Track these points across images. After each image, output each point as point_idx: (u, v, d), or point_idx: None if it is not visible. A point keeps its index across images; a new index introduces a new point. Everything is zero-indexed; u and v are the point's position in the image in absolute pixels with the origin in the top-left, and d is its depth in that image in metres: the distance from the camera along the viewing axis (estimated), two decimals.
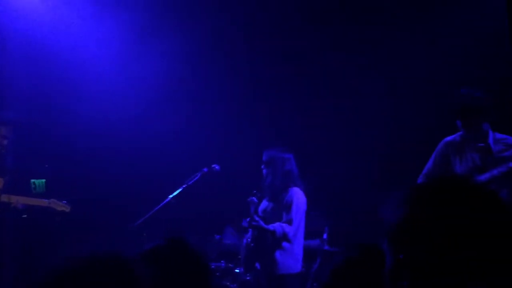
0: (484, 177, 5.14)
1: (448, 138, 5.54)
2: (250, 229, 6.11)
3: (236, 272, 6.42)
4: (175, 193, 6.16)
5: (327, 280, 2.37)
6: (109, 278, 1.66)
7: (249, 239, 6.17)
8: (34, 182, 6.45)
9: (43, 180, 6.46)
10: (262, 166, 6.26)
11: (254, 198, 6.13)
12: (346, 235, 6.64)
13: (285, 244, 6.01)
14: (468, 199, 1.43)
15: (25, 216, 6.32)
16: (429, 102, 6.74)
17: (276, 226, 5.97)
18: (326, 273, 2.42)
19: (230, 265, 6.52)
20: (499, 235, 1.39)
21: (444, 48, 6.90)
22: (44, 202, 6.33)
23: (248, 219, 6.06)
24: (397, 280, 1.43)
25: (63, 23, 7.52)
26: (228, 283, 6.39)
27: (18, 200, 6.28)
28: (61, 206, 6.37)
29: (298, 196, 6.10)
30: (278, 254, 6.01)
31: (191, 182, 6.23)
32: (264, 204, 6.27)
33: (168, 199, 6.14)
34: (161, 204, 6.13)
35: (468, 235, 1.38)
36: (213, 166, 6.33)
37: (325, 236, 6.65)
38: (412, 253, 1.41)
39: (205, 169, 6.31)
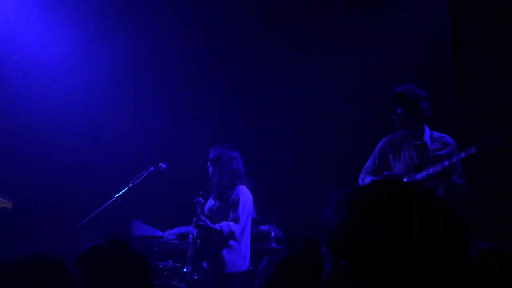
0: (420, 175, 5.24)
1: (389, 136, 5.63)
2: (198, 229, 6.09)
3: (184, 271, 6.38)
4: (120, 193, 6.10)
5: (271, 275, 2.37)
6: (39, 279, 1.63)
7: (196, 239, 6.14)
8: None
9: None
10: (208, 164, 6.23)
11: (201, 199, 6.10)
12: (293, 232, 6.68)
13: (232, 242, 6.01)
14: (405, 202, 1.41)
15: None
16: (374, 99, 6.81)
17: (223, 225, 5.97)
18: (271, 269, 2.42)
19: (177, 264, 6.48)
20: (438, 238, 1.39)
21: (386, 46, 6.98)
22: None
23: (195, 219, 6.03)
24: (335, 287, 1.42)
25: (14, 15, 7.36)
26: (175, 283, 6.34)
27: None
28: (3, 202, 6.23)
29: (244, 194, 6.11)
30: (225, 253, 6.01)
31: (137, 181, 6.18)
32: (211, 202, 6.26)
33: (114, 198, 6.08)
34: (107, 204, 6.06)
35: (408, 241, 1.37)
36: (160, 164, 6.29)
37: (272, 234, 6.66)
38: (352, 260, 1.39)
39: (152, 168, 6.27)
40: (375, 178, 5.43)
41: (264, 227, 6.72)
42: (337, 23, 7.28)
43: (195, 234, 6.15)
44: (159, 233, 6.53)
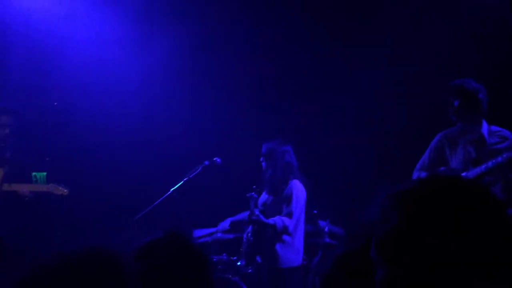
0: (478, 169, 5.11)
1: (445, 130, 5.52)
2: (252, 223, 6.11)
3: (238, 265, 6.42)
4: (176, 186, 6.16)
5: (327, 271, 2.35)
6: (95, 273, 1.65)
7: (249, 233, 6.17)
8: (35, 175, 6.45)
9: (44, 173, 6.45)
10: (261, 159, 6.24)
11: (254, 194, 6.12)
12: (347, 228, 6.64)
13: (285, 237, 6.01)
14: (461, 204, 1.34)
15: (27, 199, 6.35)
16: (428, 96, 6.71)
17: (276, 219, 5.96)
18: (326, 265, 2.39)
19: (232, 258, 6.51)
20: (495, 240, 1.32)
21: (443, 43, 6.86)
22: (43, 187, 6.35)
23: (248, 213, 6.05)
24: None
25: (65, 16, 7.51)
26: (230, 276, 6.37)
27: (23, 188, 6.31)
28: (60, 190, 6.37)
29: (298, 189, 6.09)
30: (278, 248, 6.01)
31: (192, 175, 6.22)
32: (264, 197, 6.26)
33: (170, 192, 6.14)
34: (162, 197, 6.12)
35: (465, 246, 1.30)
36: (214, 159, 6.32)
37: (326, 229, 6.63)
38: (408, 268, 1.33)
39: (207, 162, 6.30)
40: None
41: (318, 222, 6.70)
42: (384, 17, 7.19)
43: (249, 228, 6.18)
44: (212, 228, 6.57)
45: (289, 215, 5.99)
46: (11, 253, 6.24)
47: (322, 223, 6.70)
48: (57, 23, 7.47)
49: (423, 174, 5.46)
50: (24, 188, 6.34)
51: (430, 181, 1.43)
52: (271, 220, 5.97)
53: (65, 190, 6.37)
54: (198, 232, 6.55)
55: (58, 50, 7.50)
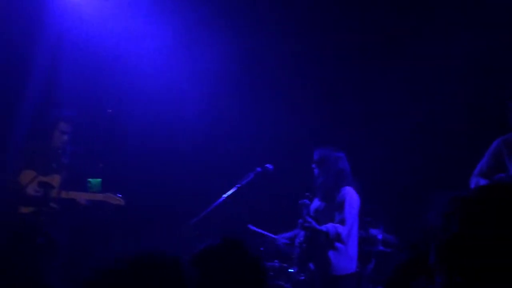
0: None
1: (504, 136, 5.40)
2: (304, 230, 6.08)
3: (290, 271, 6.40)
4: (229, 193, 6.18)
5: (389, 279, 2.32)
6: (157, 277, 1.66)
7: (302, 240, 6.14)
8: (90, 181, 6.56)
9: (99, 180, 6.56)
10: (313, 166, 6.20)
11: (306, 200, 6.09)
12: (402, 236, 6.54)
13: (338, 244, 5.95)
14: None
15: (84, 207, 6.45)
16: (484, 101, 6.58)
17: (329, 227, 5.92)
18: (385, 273, 2.37)
19: (284, 264, 6.49)
20: None
21: (504, 47, 6.73)
22: (99, 196, 6.45)
23: (301, 220, 6.02)
24: None
25: (118, 22, 7.62)
26: (282, 283, 6.36)
27: (81, 196, 6.42)
28: (116, 199, 6.46)
29: (351, 196, 6.03)
30: (331, 255, 5.96)
31: (244, 182, 6.23)
32: (316, 203, 6.22)
33: (222, 198, 6.16)
34: (215, 204, 6.15)
35: None
36: (266, 165, 6.32)
37: (379, 236, 6.55)
38: (470, 278, 1.30)
39: (259, 169, 6.31)
40: (488, 181, 5.22)
41: (371, 230, 6.63)
42: (444, 23, 7.10)
43: (301, 235, 6.15)
44: (270, 235, 6.55)
45: (342, 222, 5.94)
46: (63, 257, 6.36)
47: (375, 231, 6.63)
48: (110, 31, 7.59)
49: (482, 181, 5.35)
50: (81, 197, 6.45)
51: (491, 188, 1.41)
52: (324, 227, 5.93)
53: (121, 200, 6.46)
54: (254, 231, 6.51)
55: (112, 57, 7.61)
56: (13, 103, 7.10)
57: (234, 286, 2.42)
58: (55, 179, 6.49)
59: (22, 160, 6.57)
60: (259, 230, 6.48)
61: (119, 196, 6.47)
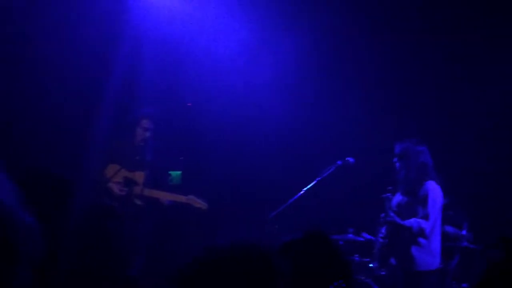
0: None
1: None
2: (386, 225, 5.99)
3: (371, 267, 6.32)
4: (309, 186, 6.16)
5: (482, 277, 2.25)
6: (250, 267, 1.67)
7: (384, 235, 6.05)
8: (170, 174, 6.67)
9: (179, 172, 6.66)
10: (395, 160, 6.09)
11: (389, 194, 5.99)
12: (487, 231, 6.35)
13: (421, 240, 5.83)
14: None
15: (166, 207, 6.55)
16: None
17: (412, 222, 5.80)
18: (470, 269, 2.31)
19: (364, 259, 6.42)
20: None
21: None
22: (182, 198, 6.51)
23: (383, 215, 5.94)
24: None
25: (196, 22, 7.70)
26: (362, 278, 6.30)
27: (165, 196, 6.51)
28: (199, 203, 6.51)
29: (434, 190, 5.89)
30: (414, 250, 5.84)
31: (325, 175, 6.20)
32: (398, 198, 6.10)
33: (302, 191, 6.15)
34: (295, 197, 6.14)
35: None
36: (347, 159, 6.26)
37: (464, 232, 6.38)
38: None
39: (339, 162, 6.26)
40: None
41: (454, 225, 6.46)
42: None
43: (383, 230, 6.06)
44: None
45: (426, 217, 5.81)
46: (147, 254, 6.50)
47: (458, 227, 6.46)
48: (188, 26, 7.68)
49: None
50: (164, 197, 6.54)
51: None
52: (407, 222, 5.82)
53: (204, 204, 6.50)
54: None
55: (191, 53, 7.69)
56: (95, 101, 7.28)
57: (322, 279, 2.41)
58: (139, 176, 6.61)
59: (106, 157, 6.73)
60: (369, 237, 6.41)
61: (202, 200, 6.50)
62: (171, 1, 7.65)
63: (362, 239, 6.55)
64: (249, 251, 1.72)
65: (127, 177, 6.48)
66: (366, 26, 7.59)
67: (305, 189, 6.15)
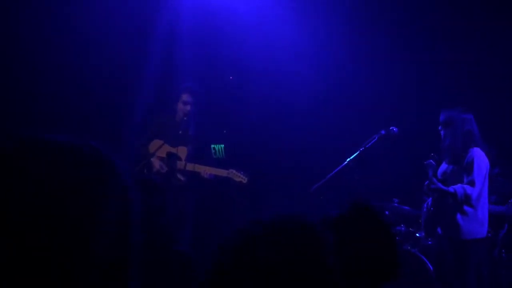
0: None
1: None
2: (430, 193, 5.90)
3: (417, 236, 6.27)
4: (352, 156, 6.11)
5: None
6: (295, 239, 1.65)
7: (429, 203, 5.97)
8: (214, 147, 6.69)
9: (222, 145, 6.67)
10: (440, 128, 5.98)
11: (432, 161, 5.87)
12: None
13: (467, 208, 5.71)
14: None
15: (208, 181, 6.59)
16: None
17: (457, 187, 5.68)
18: None
19: (410, 229, 6.37)
20: None
21: None
22: (223, 172, 6.53)
23: (426, 182, 5.84)
24: None
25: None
26: (409, 247, 6.26)
27: (205, 170, 6.55)
28: (239, 177, 6.52)
29: (479, 157, 5.76)
30: (460, 219, 5.73)
31: (368, 145, 6.14)
32: (444, 166, 5.99)
33: (346, 162, 6.10)
34: (339, 168, 6.10)
35: None
36: (391, 128, 6.18)
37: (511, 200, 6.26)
38: None
39: (383, 131, 6.18)
40: None
41: (503, 194, 6.35)
42: None
43: (429, 200, 5.98)
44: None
45: (471, 183, 5.69)
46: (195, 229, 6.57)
47: (501, 197, 6.34)
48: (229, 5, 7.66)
49: None
50: (206, 171, 6.57)
51: None
52: (451, 188, 5.69)
53: (245, 178, 6.50)
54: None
55: (232, 24, 7.66)
56: (135, 77, 7.33)
57: (367, 251, 2.39)
58: (182, 151, 6.65)
59: (150, 132, 6.78)
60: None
61: (242, 174, 6.51)
62: None
63: (408, 208, 6.49)
64: (295, 223, 1.71)
65: (170, 151, 6.52)
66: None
67: (348, 159, 6.10)
